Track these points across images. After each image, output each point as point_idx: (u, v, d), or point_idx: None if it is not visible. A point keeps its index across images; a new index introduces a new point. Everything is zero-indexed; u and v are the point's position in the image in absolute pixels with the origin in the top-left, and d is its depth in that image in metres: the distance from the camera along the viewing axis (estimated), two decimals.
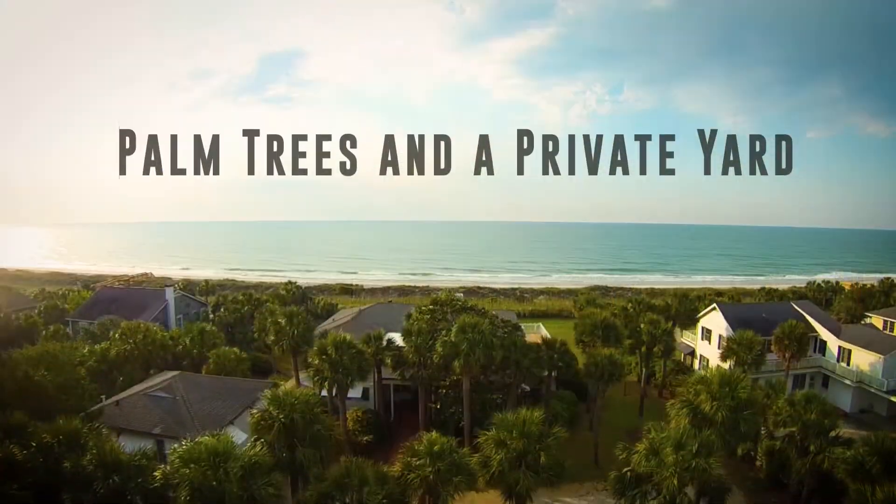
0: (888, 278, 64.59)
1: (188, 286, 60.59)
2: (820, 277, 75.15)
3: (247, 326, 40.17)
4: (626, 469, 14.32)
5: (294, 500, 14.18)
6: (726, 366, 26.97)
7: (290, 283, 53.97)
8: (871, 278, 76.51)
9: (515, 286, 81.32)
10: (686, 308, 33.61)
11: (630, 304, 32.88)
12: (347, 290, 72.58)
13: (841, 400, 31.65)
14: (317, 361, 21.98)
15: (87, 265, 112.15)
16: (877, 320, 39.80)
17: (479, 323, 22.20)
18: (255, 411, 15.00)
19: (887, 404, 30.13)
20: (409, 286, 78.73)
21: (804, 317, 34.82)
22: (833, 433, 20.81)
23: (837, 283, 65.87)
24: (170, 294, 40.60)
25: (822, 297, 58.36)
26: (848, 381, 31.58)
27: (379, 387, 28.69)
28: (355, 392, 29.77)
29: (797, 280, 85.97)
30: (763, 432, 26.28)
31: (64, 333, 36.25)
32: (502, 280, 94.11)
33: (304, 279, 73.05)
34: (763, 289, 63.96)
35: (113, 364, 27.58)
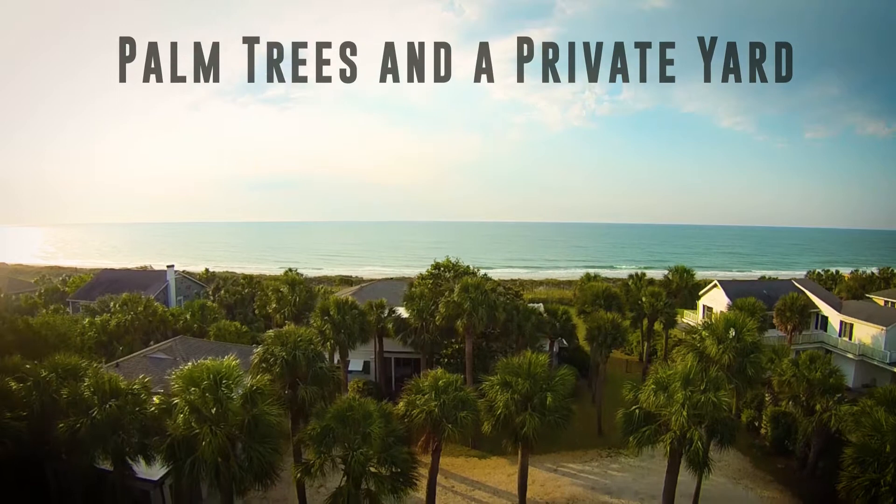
0: (888, 268, 64.71)
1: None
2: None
3: (247, 307, 40.03)
4: (634, 407, 14.19)
5: (294, 437, 13.99)
6: None
7: (290, 270, 53.77)
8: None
9: (515, 279, 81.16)
10: (686, 283, 33.58)
11: (631, 280, 32.83)
12: (347, 282, 72.38)
13: (844, 375, 31.57)
14: (318, 322, 21.84)
15: (77, 263, 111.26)
16: (878, 300, 39.90)
17: (481, 283, 22.15)
18: (257, 350, 14.88)
19: (890, 377, 30.01)
20: (409, 278, 78.49)
21: (805, 293, 34.86)
22: (838, 395, 20.77)
23: (837, 272, 65.95)
24: (170, 275, 40.47)
25: (822, 286, 58.37)
26: (850, 355, 31.52)
27: (380, 359, 28.54)
28: (356, 365, 29.67)
29: (796, 275, 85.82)
30: (767, 399, 26.23)
31: (64, 312, 36.04)
32: (500, 275, 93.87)
33: (303, 272, 72.74)
34: (763, 277, 64.08)
35: (113, 335, 27.37)
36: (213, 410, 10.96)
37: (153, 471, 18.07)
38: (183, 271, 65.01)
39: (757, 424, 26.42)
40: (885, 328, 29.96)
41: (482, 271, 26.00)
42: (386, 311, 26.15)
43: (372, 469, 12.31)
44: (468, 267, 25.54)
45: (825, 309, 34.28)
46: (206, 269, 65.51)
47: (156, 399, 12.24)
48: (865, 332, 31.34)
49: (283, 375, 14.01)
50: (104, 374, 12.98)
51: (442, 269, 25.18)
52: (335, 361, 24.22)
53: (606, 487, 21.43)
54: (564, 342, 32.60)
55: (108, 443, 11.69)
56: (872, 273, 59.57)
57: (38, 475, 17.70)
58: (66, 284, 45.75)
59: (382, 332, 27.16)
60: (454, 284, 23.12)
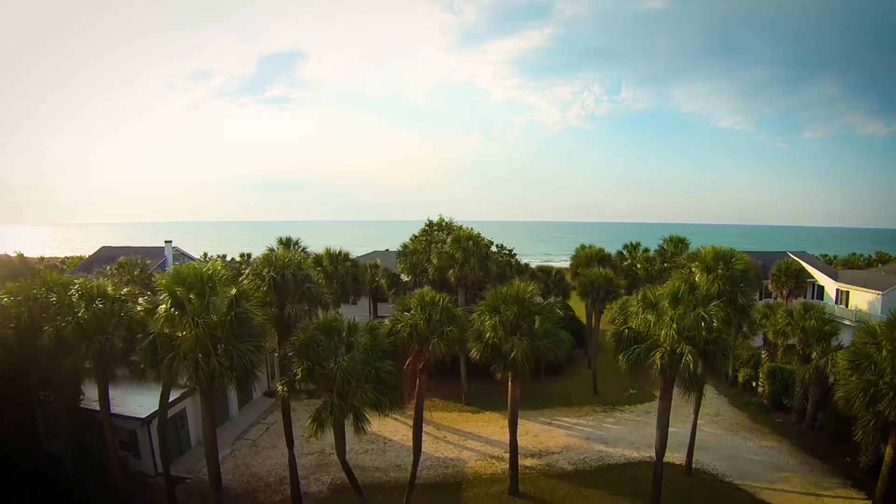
0: (886, 253, 64.64)
1: None
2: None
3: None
4: (623, 327, 14.07)
5: (279, 353, 13.86)
6: None
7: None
8: None
9: None
10: (681, 252, 33.26)
11: (626, 249, 32.70)
12: None
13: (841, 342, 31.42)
14: (312, 273, 21.72)
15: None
16: None
17: (474, 236, 22.09)
18: (246, 271, 14.83)
19: None
20: None
21: (801, 263, 34.79)
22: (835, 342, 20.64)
23: (835, 257, 65.86)
24: (168, 250, 40.48)
25: None
26: (847, 322, 31.32)
27: None
28: None
29: None
30: (764, 356, 26.10)
31: None
32: None
33: None
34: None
35: None
36: (197, 304, 10.89)
37: (141, 409, 18.11)
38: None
39: (754, 385, 26.28)
40: (881, 293, 29.86)
41: None
42: (380, 272, 26.11)
43: (356, 384, 12.14)
44: (461, 227, 25.46)
45: (821, 278, 34.20)
46: (205, 253, 65.46)
47: (141, 301, 12.19)
48: (862, 299, 31.24)
49: (270, 296, 13.93)
50: (93, 281, 12.99)
51: (436, 227, 25.12)
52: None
53: (601, 438, 21.27)
54: (560, 312, 32.45)
55: (92, 343, 11.59)
56: (870, 256, 59.57)
57: (26, 418, 17.62)
58: (65, 264, 45.75)
59: (377, 295, 27.11)
60: (447, 238, 23.07)
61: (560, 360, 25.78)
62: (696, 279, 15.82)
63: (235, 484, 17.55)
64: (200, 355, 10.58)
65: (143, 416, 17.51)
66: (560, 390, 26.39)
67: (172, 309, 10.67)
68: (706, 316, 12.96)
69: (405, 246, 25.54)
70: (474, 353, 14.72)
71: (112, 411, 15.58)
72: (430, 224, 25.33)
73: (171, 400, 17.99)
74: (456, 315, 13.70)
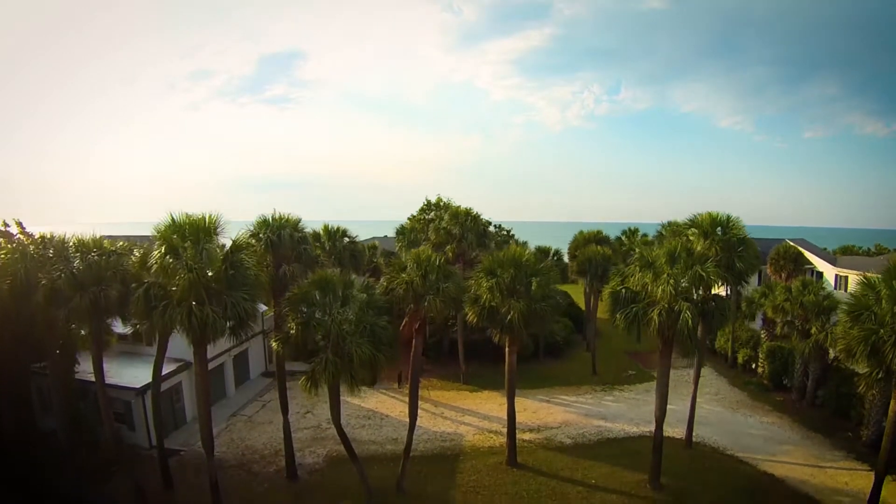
0: (885, 247, 64.63)
1: None
2: None
3: None
4: (620, 287, 13.95)
5: (274, 310, 13.73)
6: None
7: None
8: None
9: None
10: None
11: (624, 235, 32.69)
12: None
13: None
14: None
15: None
16: None
17: (472, 213, 22.04)
18: (241, 232, 14.76)
19: None
20: None
21: (799, 249, 34.74)
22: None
23: (834, 252, 65.77)
24: None
25: None
26: (846, 306, 31.25)
27: None
28: None
29: None
30: (763, 336, 25.98)
31: None
32: None
33: None
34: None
35: None
36: (191, 252, 10.82)
37: (136, 380, 17.94)
38: None
39: (754, 366, 26.14)
40: (881, 277, 29.75)
41: None
42: (378, 251, 26.04)
43: (351, 339, 12.00)
44: (460, 207, 25.42)
45: (819, 264, 34.13)
46: None
47: (136, 251, 12.12)
48: None
49: (266, 256, 13.84)
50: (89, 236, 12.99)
51: (433, 207, 25.08)
52: None
53: (601, 414, 21.09)
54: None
55: (86, 293, 11.49)
56: (869, 249, 59.59)
57: (21, 394, 17.43)
58: None
59: (375, 276, 26.96)
60: (445, 216, 23.02)
61: (558, 340, 25.97)
62: (693, 245, 15.72)
63: (230, 456, 17.35)
64: (194, 303, 10.49)
65: (138, 386, 17.36)
66: (559, 372, 26.27)
67: (167, 256, 10.59)
68: (703, 273, 12.88)
69: (403, 226, 25.48)
70: (471, 317, 14.60)
71: (107, 382, 15.43)
72: (428, 203, 25.28)
73: (166, 372, 17.94)
74: (452, 273, 13.60)
